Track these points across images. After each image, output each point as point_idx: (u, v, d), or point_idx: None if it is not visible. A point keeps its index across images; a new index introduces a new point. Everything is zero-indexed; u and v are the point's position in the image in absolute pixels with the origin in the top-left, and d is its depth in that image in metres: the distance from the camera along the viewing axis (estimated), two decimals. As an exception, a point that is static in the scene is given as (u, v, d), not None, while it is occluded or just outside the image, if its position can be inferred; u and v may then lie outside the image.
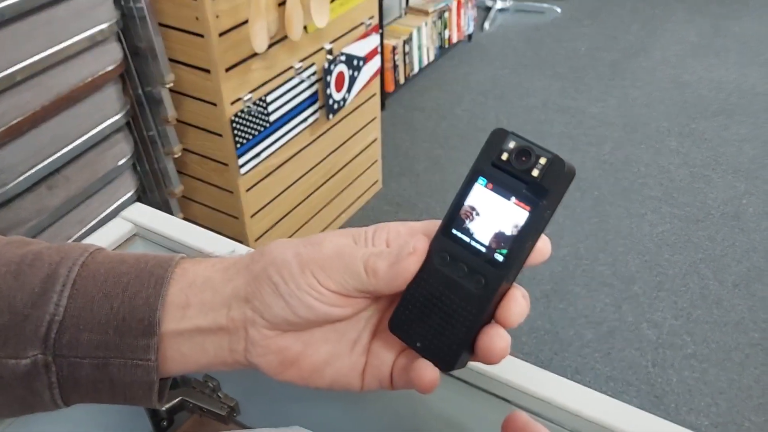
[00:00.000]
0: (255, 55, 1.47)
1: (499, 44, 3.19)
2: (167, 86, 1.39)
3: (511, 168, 0.31)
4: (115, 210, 1.36)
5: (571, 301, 1.81)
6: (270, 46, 1.48)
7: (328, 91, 1.74)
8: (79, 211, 1.30)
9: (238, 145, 1.53)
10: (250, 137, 1.56)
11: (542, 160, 0.30)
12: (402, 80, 2.77)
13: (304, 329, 0.33)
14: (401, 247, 0.32)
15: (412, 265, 0.31)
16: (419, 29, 2.76)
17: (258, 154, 1.60)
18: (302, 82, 1.66)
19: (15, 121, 1.10)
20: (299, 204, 1.86)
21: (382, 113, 2.14)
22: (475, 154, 0.32)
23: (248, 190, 1.64)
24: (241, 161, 1.56)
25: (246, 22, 1.41)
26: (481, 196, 0.31)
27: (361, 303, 0.33)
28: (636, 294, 1.82)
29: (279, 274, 0.32)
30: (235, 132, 1.50)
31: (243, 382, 0.56)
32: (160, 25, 1.36)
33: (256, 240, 1.75)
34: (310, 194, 1.89)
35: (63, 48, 1.14)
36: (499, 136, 0.31)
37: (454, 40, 3.05)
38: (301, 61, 1.63)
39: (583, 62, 2.99)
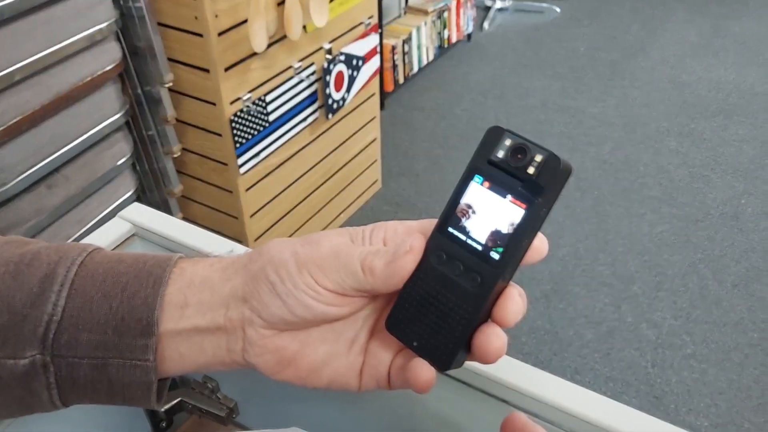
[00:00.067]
0: (254, 54, 1.47)
1: (498, 44, 3.19)
2: (166, 86, 1.39)
3: (507, 166, 0.30)
4: (114, 209, 1.36)
5: (570, 301, 1.81)
6: (269, 45, 1.48)
7: (327, 91, 1.74)
8: (78, 210, 1.30)
9: (238, 145, 1.53)
10: (250, 137, 1.55)
11: (538, 158, 0.30)
12: (401, 80, 2.77)
13: (301, 329, 0.33)
14: (398, 246, 0.32)
15: (408, 263, 0.31)
16: (418, 29, 2.76)
17: (257, 154, 1.60)
18: (301, 81, 1.66)
19: (14, 121, 1.10)
20: (299, 204, 1.86)
21: (381, 113, 2.14)
22: None
23: (248, 189, 1.64)
24: (240, 161, 1.56)
25: (245, 21, 1.41)
26: (477, 194, 0.31)
27: (359, 302, 0.33)
28: (635, 294, 1.82)
29: (276, 274, 0.32)
30: (235, 131, 1.50)
31: (242, 383, 0.56)
32: (159, 24, 1.36)
33: (256, 239, 1.75)
34: (310, 194, 1.89)
35: (62, 47, 1.14)
36: (495, 134, 0.31)
37: (454, 39, 3.05)
38: (301, 60, 1.63)
39: (583, 62, 2.99)
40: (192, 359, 0.34)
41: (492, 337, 0.30)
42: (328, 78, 1.72)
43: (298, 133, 1.72)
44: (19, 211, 1.18)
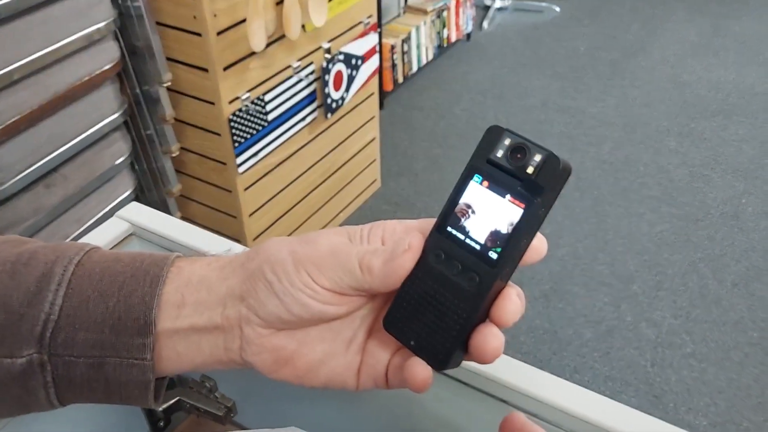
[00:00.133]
0: (253, 54, 1.47)
1: (497, 43, 3.19)
2: (165, 85, 1.39)
3: (506, 165, 0.30)
4: (113, 209, 1.36)
5: (569, 300, 1.81)
6: (268, 45, 1.48)
7: (326, 90, 1.74)
8: (76, 210, 1.30)
9: (236, 144, 1.53)
10: (248, 136, 1.55)
11: (537, 157, 0.30)
12: (400, 79, 2.77)
13: (299, 328, 0.33)
14: (396, 245, 0.31)
15: (406, 262, 0.31)
16: (418, 28, 2.76)
17: (256, 153, 1.60)
18: (300, 81, 1.65)
19: (12, 120, 1.10)
20: (298, 203, 1.86)
21: (380, 112, 2.14)
22: None
23: (246, 189, 1.64)
24: (239, 160, 1.55)
25: (244, 20, 1.41)
26: (476, 193, 0.31)
27: (356, 301, 0.33)
28: (635, 293, 1.82)
29: (273, 272, 0.31)
30: (233, 131, 1.50)
31: (240, 383, 0.56)
32: (158, 23, 1.35)
33: (255, 239, 1.75)
34: (309, 193, 1.89)
35: (60, 47, 1.14)
36: (494, 133, 0.31)
37: (453, 39, 3.05)
38: (299, 60, 1.63)
39: (583, 62, 2.99)
40: (189, 358, 0.34)
41: (489, 337, 0.30)
42: (327, 77, 1.72)
43: (296, 132, 1.72)
44: (17, 211, 1.18)
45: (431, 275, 0.31)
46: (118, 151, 1.37)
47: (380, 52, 2.34)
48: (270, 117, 1.60)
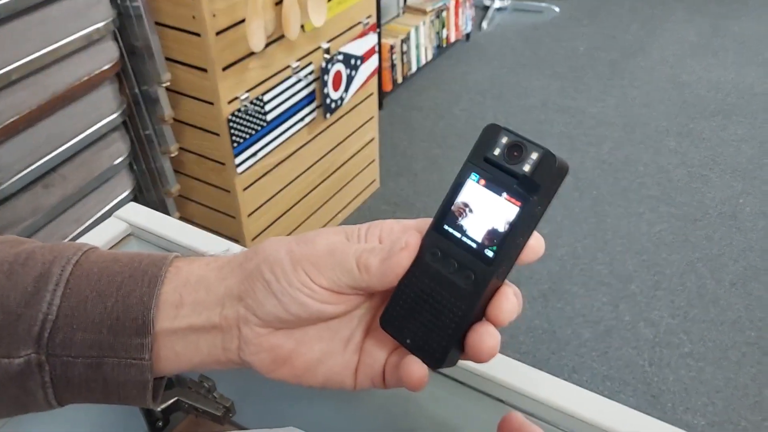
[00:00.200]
0: (252, 54, 1.47)
1: (497, 44, 3.19)
2: (164, 85, 1.39)
3: (503, 163, 0.30)
4: (111, 209, 1.36)
5: (568, 300, 1.81)
6: (267, 45, 1.48)
7: (325, 91, 1.74)
8: (75, 210, 1.30)
9: (235, 144, 1.52)
10: (247, 136, 1.55)
11: (534, 156, 0.30)
12: (400, 79, 2.77)
13: (297, 327, 0.33)
14: (393, 243, 0.31)
15: (403, 260, 0.31)
16: (417, 28, 2.76)
17: (255, 153, 1.60)
18: (299, 81, 1.65)
19: (11, 120, 1.10)
20: (296, 203, 1.86)
21: (379, 112, 2.14)
22: None
23: (245, 189, 1.64)
24: (237, 160, 1.55)
25: (243, 21, 1.41)
26: (473, 191, 0.31)
27: (354, 300, 0.33)
28: (633, 293, 1.82)
29: (271, 272, 0.32)
30: (232, 131, 1.50)
31: (239, 383, 0.56)
32: (157, 23, 1.35)
33: (253, 239, 1.75)
34: (308, 193, 1.89)
35: (59, 47, 1.13)
36: (491, 132, 0.31)
37: (452, 39, 3.05)
38: (299, 60, 1.63)
39: (582, 62, 2.99)
40: (187, 358, 0.34)
41: (485, 336, 0.30)
42: (326, 77, 1.72)
43: (295, 132, 1.72)
44: (15, 211, 1.18)
45: (428, 273, 0.31)
46: (117, 152, 1.37)
47: (379, 52, 2.34)
48: (269, 117, 1.60)
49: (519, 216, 0.30)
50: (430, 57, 2.92)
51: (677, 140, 2.44)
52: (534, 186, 0.29)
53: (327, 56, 1.70)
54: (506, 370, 0.43)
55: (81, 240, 0.46)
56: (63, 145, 1.22)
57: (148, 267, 0.34)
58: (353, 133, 1.99)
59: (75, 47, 1.17)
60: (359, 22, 1.80)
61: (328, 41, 1.70)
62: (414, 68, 2.84)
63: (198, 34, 1.37)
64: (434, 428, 0.50)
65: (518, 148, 0.30)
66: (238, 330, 0.33)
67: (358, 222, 0.34)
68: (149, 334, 0.32)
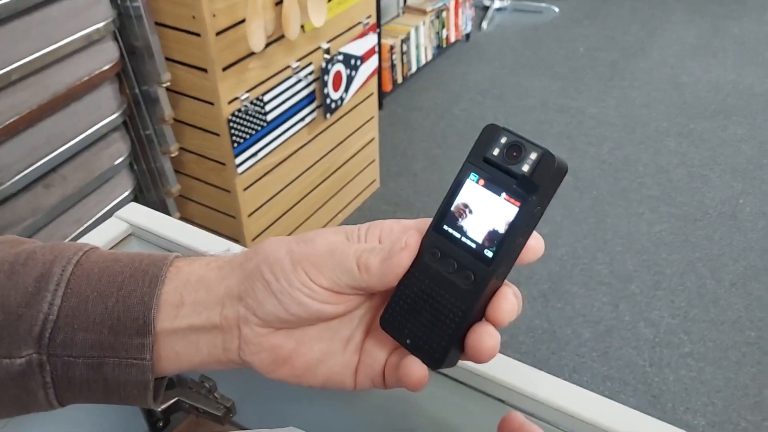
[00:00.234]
0: (252, 54, 1.47)
1: (497, 44, 3.19)
2: (164, 85, 1.39)
3: (502, 163, 0.30)
4: (111, 209, 1.36)
5: (568, 300, 1.81)
6: (267, 45, 1.48)
7: (325, 91, 1.74)
8: (75, 210, 1.30)
9: (235, 145, 1.53)
10: (248, 136, 1.55)
11: (533, 156, 0.30)
12: (400, 80, 2.77)
13: (297, 327, 0.33)
14: (393, 243, 0.32)
15: (403, 260, 0.31)
16: (417, 28, 2.76)
17: (255, 154, 1.60)
18: (299, 81, 1.65)
19: (11, 120, 1.10)
20: (296, 203, 1.86)
21: (379, 113, 2.14)
22: None
23: (245, 189, 1.64)
24: (238, 160, 1.55)
25: (243, 21, 1.41)
26: (472, 191, 0.31)
27: (354, 300, 0.33)
28: (633, 293, 1.82)
29: (271, 272, 0.32)
30: (232, 131, 1.50)
31: (239, 383, 0.56)
32: (157, 24, 1.35)
33: (254, 239, 1.75)
34: (308, 194, 1.89)
35: (59, 47, 1.13)
36: (491, 132, 0.31)
37: (452, 39, 3.05)
38: (299, 60, 1.63)
39: (582, 62, 2.99)
40: (188, 358, 0.34)
41: (485, 336, 0.30)
42: (326, 78, 1.72)
43: (296, 132, 1.72)
44: (16, 211, 1.18)
45: (427, 274, 0.31)
46: (117, 152, 1.37)
47: (379, 52, 2.34)
48: (269, 117, 1.60)
49: (518, 216, 0.30)
50: (429, 57, 2.92)
51: (677, 140, 2.44)
52: (533, 186, 0.29)
53: (327, 56, 1.70)
54: (506, 370, 0.43)
55: (81, 240, 0.46)
56: (63, 145, 1.22)
57: (148, 267, 0.34)
58: (353, 133, 1.99)
59: (75, 47, 1.17)
60: (359, 23, 1.80)
61: (328, 41, 1.70)
62: (414, 68, 2.84)
63: (198, 34, 1.37)
64: (434, 428, 0.50)
65: (517, 148, 0.30)
66: (239, 330, 0.33)
67: (358, 222, 0.34)
68: (150, 334, 0.32)
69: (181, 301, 0.33)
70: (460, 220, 0.31)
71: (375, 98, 2.04)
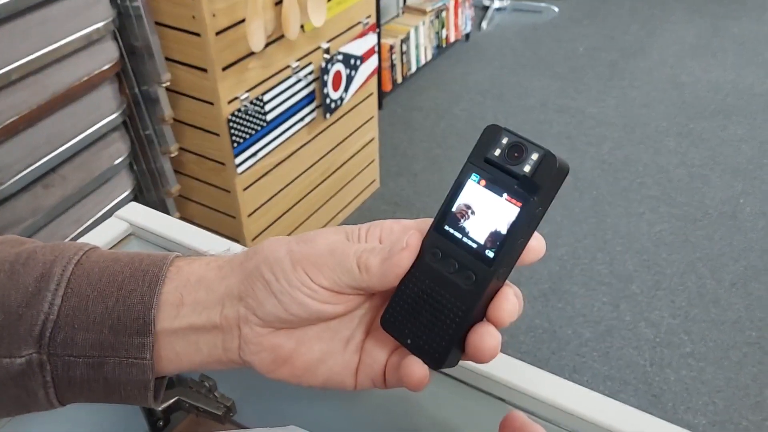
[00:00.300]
0: (252, 54, 1.47)
1: (496, 44, 3.19)
2: (164, 85, 1.39)
3: (503, 164, 0.30)
4: (111, 209, 1.36)
5: (569, 300, 1.81)
6: (267, 45, 1.48)
7: (325, 91, 1.74)
8: (75, 210, 1.30)
9: (235, 144, 1.52)
10: (247, 136, 1.55)
11: (534, 156, 0.30)
12: (399, 79, 2.77)
13: (297, 327, 0.33)
14: (394, 243, 0.31)
15: (404, 260, 0.31)
16: (416, 28, 2.76)
17: (255, 154, 1.60)
18: (299, 81, 1.65)
19: (11, 120, 1.10)
20: (296, 203, 1.86)
21: (379, 112, 2.14)
22: None
23: (245, 189, 1.64)
24: (237, 160, 1.55)
25: (243, 21, 1.41)
26: (473, 192, 0.31)
27: (354, 300, 0.33)
28: (634, 293, 1.82)
29: (271, 272, 0.31)
30: (232, 131, 1.50)
31: (239, 382, 0.56)
32: (157, 23, 1.35)
33: (253, 239, 1.75)
34: (308, 193, 1.89)
35: (59, 47, 1.13)
36: (492, 132, 0.31)
37: (452, 39, 3.05)
38: (298, 60, 1.63)
39: (582, 62, 2.99)
40: (188, 358, 0.34)
41: (486, 336, 0.30)
42: (325, 77, 1.72)
43: (295, 132, 1.72)
44: (15, 211, 1.18)
45: (428, 274, 0.31)
46: (117, 152, 1.37)
47: (379, 52, 2.34)
48: (269, 117, 1.60)
49: (519, 216, 0.30)
50: (429, 57, 2.92)
51: (677, 140, 2.44)
52: (534, 186, 0.29)
53: (327, 56, 1.70)
54: (508, 369, 0.43)
55: (82, 240, 0.46)
56: (63, 145, 1.22)
57: (148, 267, 0.34)
58: (353, 133, 1.99)
59: (75, 47, 1.17)
60: (359, 22, 1.80)
61: (328, 41, 1.70)
62: (414, 68, 2.84)
63: (198, 34, 1.37)
64: (435, 428, 0.49)
65: (519, 148, 0.30)
66: (239, 330, 0.33)
67: (358, 222, 0.34)
68: (150, 333, 0.32)
69: (181, 301, 0.33)
70: (461, 220, 0.31)
71: (375, 98, 2.04)
